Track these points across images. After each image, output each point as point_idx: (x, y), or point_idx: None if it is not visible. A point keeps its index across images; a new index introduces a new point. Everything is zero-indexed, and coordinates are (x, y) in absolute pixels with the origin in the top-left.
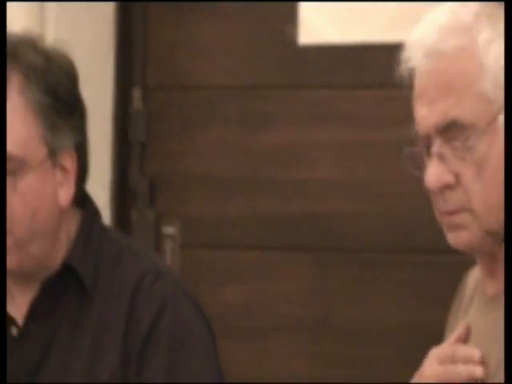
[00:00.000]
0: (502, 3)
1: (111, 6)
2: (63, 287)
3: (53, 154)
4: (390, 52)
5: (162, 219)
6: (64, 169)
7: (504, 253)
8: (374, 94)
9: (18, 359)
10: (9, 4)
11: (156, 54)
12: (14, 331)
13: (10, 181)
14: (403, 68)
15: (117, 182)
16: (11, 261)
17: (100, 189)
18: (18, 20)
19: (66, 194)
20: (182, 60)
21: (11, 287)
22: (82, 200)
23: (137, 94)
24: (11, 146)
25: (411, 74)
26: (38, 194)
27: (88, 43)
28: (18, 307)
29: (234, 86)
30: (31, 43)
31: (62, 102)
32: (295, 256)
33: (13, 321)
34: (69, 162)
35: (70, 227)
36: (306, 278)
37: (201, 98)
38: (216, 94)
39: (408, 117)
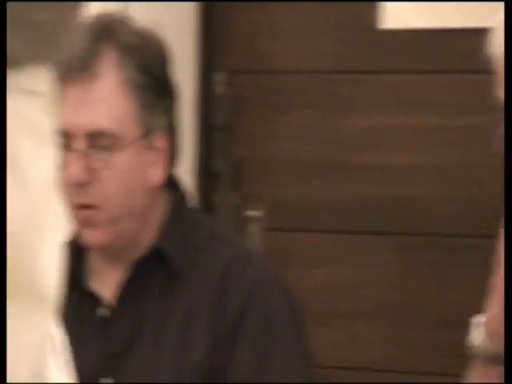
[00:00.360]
0: None
1: None
2: (152, 270)
3: (147, 132)
4: (472, 37)
5: (246, 203)
6: (156, 149)
7: (504, 252)
8: (456, 79)
9: (108, 339)
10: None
11: (239, 37)
12: (100, 311)
13: (103, 157)
14: (488, 49)
15: (201, 166)
16: (100, 236)
17: (184, 173)
18: None
19: (157, 174)
20: (264, 44)
21: (101, 266)
22: (172, 183)
23: (220, 77)
24: (107, 122)
25: (496, 55)
26: (130, 172)
27: (171, 27)
28: (107, 286)
29: (316, 70)
30: (124, 22)
31: (156, 81)
32: (379, 240)
33: (98, 301)
34: (161, 142)
35: (160, 209)
36: (391, 263)
37: (284, 82)
38: (299, 78)
39: (489, 102)
